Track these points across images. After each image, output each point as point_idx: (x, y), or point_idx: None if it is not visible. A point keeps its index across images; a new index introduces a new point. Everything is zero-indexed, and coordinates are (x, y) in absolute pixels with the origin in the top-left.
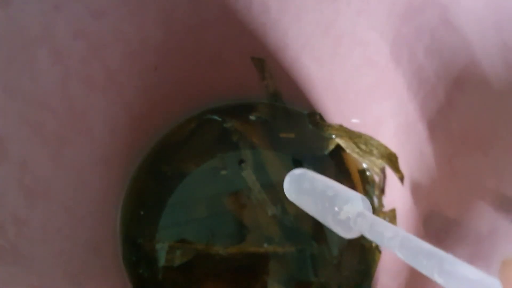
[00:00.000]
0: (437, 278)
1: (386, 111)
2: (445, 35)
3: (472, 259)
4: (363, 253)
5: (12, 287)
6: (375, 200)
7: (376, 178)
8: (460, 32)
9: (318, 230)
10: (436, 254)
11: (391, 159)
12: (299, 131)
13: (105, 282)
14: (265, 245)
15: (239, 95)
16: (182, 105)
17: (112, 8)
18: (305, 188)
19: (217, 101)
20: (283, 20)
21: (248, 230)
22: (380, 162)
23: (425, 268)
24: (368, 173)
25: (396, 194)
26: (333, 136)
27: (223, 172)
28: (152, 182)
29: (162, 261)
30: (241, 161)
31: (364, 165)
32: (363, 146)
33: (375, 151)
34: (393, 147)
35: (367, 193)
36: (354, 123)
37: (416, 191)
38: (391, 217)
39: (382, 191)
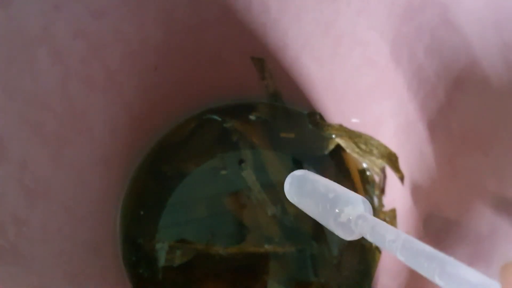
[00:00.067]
0: (438, 280)
1: (386, 111)
2: (445, 35)
3: (472, 259)
4: (363, 253)
5: (12, 287)
6: (375, 200)
7: (376, 178)
8: (460, 32)
9: (318, 230)
10: (437, 256)
11: (391, 159)
12: (299, 131)
13: (105, 282)
14: (265, 245)
15: (239, 95)
16: (182, 105)
17: (112, 8)
18: (305, 190)
19: (217, 101)
20: (283, 20)
21: (248, 230)
22: (380, 162)
23: (426, 270)
24: (368, 173)
25: (396, 194)
26: (333, 136)
27: (223, 172)
28: (152, 182)
29: (162, 261)
30: (241, 161)
31: (364, 165)
32: (363, 146)
33: (375, 151)
34: (393, 147)
35: (367, 193)
36: (354, 123)
37: (416, 191)
38: (391, 217)
39: (382, 191)
